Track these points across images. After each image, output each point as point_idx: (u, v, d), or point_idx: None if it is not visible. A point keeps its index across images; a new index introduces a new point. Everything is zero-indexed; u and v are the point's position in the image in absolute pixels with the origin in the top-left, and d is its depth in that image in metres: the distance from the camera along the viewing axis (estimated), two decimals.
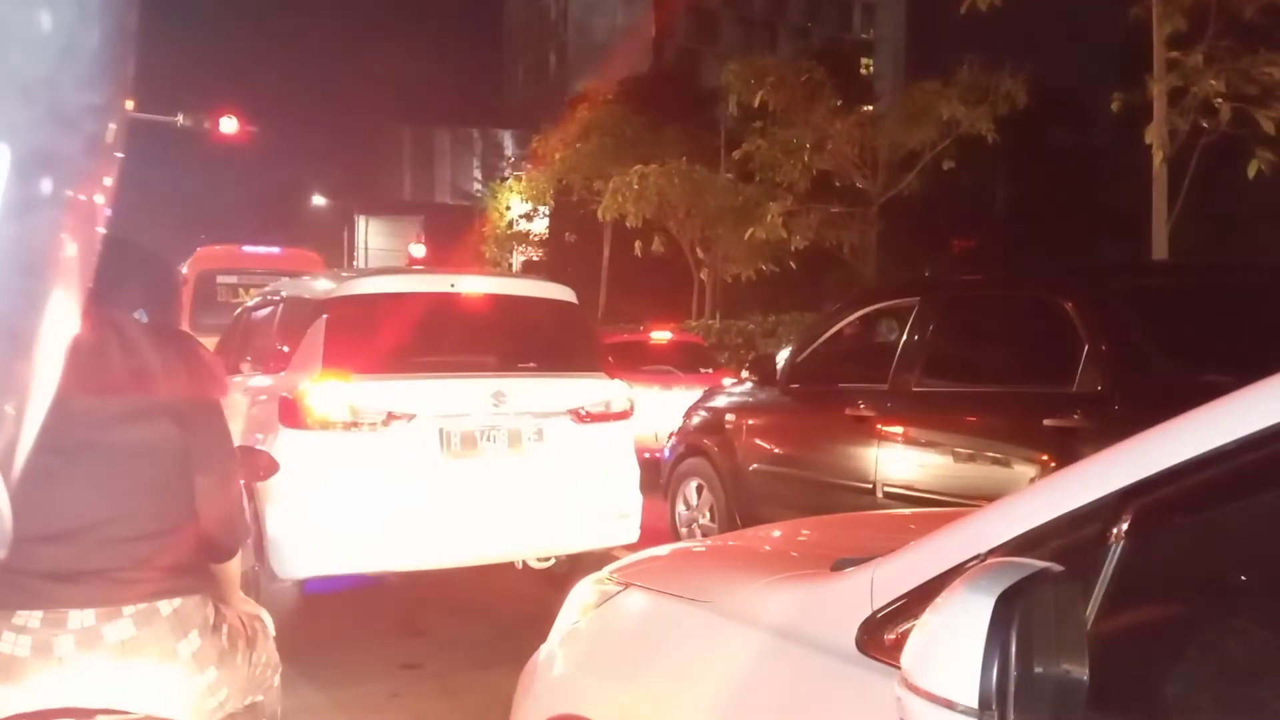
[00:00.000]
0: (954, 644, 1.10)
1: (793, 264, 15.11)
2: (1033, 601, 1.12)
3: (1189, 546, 1.40)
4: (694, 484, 6.83)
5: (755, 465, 6.25)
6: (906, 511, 3.36)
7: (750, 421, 6.46)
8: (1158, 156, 9.67)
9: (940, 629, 1.13)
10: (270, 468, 3.09)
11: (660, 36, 16.50)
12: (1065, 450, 4.08)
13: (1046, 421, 4.38)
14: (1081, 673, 1.17)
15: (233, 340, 6.45)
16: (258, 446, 4.99)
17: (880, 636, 1.51)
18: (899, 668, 1.24)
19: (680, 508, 6.90)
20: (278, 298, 6.13)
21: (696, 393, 8.04)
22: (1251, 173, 9.37)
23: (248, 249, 12.15)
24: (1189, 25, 9.73)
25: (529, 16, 23.38)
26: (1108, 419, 4.08)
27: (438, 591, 5.49)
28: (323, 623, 4.97)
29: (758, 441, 6.33)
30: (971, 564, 1.39)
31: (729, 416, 6.65)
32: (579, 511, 5.22)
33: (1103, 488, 1.30)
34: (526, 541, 5.19)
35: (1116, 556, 1.28)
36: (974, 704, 1.07)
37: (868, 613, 1.54)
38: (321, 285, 5.75)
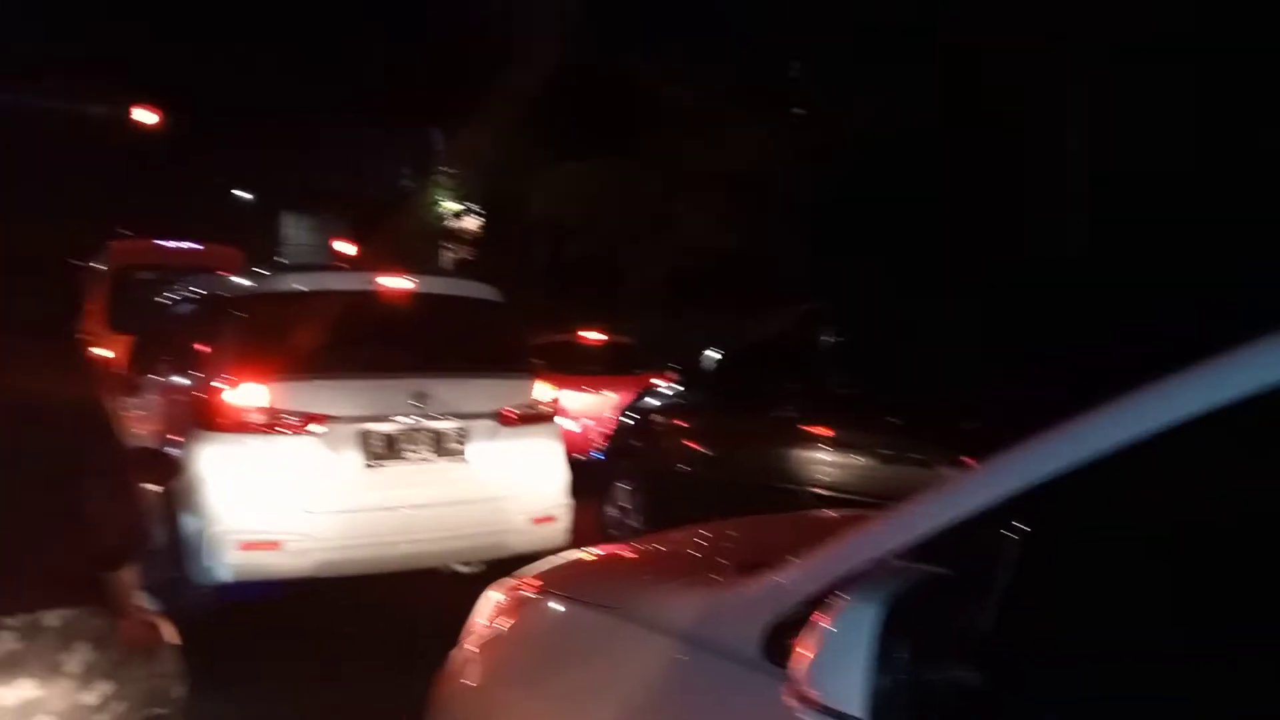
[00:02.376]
0: (841, 652, 1.10)
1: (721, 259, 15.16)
2: (921, 608, 1.13)
3: (1085, 550, 1.42)
4: (624, 487, 6.81)
5: (683, 466, 6.25)
6: (827, 514, 3.38)
7: (679, 423, 6.47)
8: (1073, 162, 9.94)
9: (828, 637, 1.13)
10: (172, 471, 3.00)
11: (594, 36, 16.63)
12: (982, 454, 4.15)
13: (963, 424, 4.46)
14: (973, 678, 1.18)
15: (151, 339, 6.28)
16: (173, 449, 4.88)
17: (783, 643, 1.51)
18: None
19: (610, 510, 6.88)
20: (196, 296, 5.98)
21: (629, 394, 8.04)
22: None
23: (167, 244, 11.82)
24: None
25: (462, 13, 23.15)
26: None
27: (358, 597, 5.38)
28: (239, 630, 4.85)
29: (686, 443, 6.35)
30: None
31: (658, 418, 6.66)
32: (505, 516, 5.17)
33: (995, 493, 1.32)
34: (451, 547, 5.12)
35: (1011, 561, 1.29)
36: (861, 713, 1.07)
37: (771, 618, 1.54)
38: (240, 284, 5.62)
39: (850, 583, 1.24)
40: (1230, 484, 1.25)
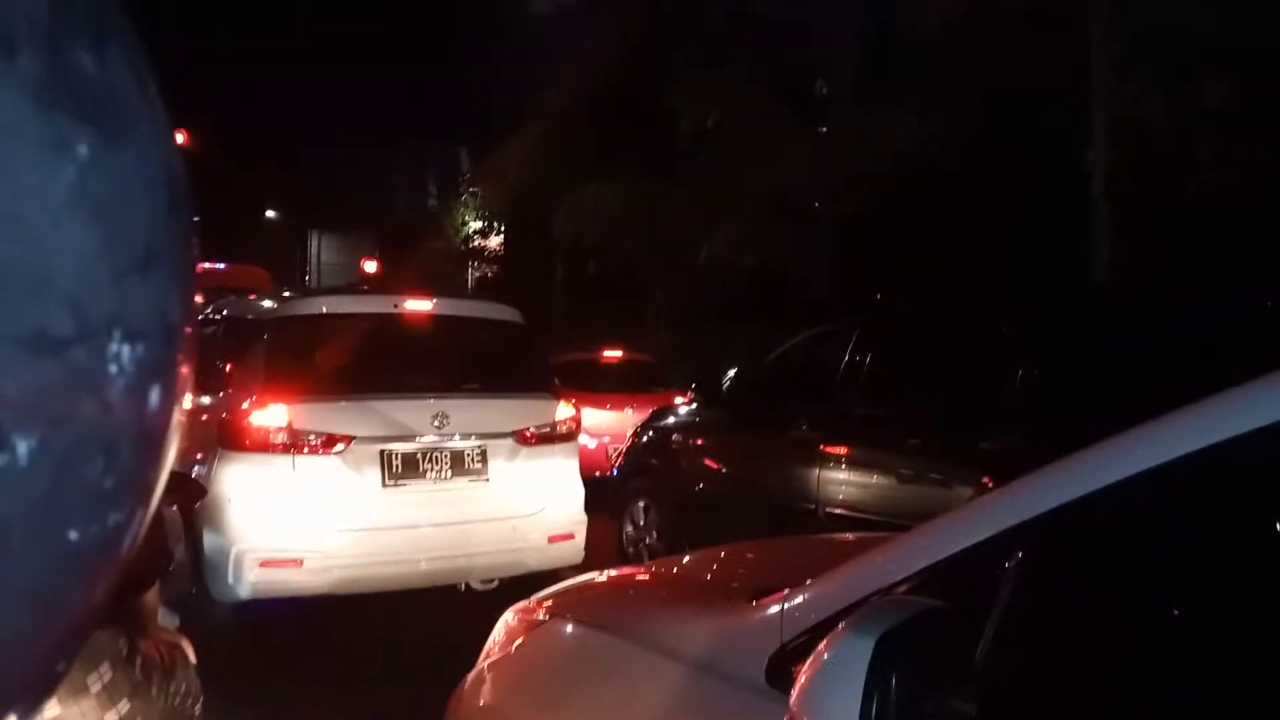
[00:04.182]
0: (838, 684, 1.12)
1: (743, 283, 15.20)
2: (918, 640, 1.15)
3: (1083, 582, 1.43)
4: (641, 504, 6.82)
5: (701, 485, 6.27)
6: (843, 536, 3.40)
7: (696, 441, 6.48)
8: (1096, 181, 9.90)
9: (826, 668, 1.15)
10: (198, 495, 3.06)
11: (616, 53, 16.77)
12: (1002, 473, 4.16)
13: (982, 444, 4.46)
14: (969, 709, 1.19)
15: None
16: (197, 468, 4.95)
17: (788, 670, 1.53)
18: None
19: (628, 528, 6.89)
20: (220, 317, 6.06)
21: (646, 412, 8.06)
22: (1188, 195, 9.64)
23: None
24: (1129, 51, 10.02)
25: (486, 31, 23.40)
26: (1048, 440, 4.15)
27: (376, 614, 5.42)
28: (257, 646, 4.89)
29: (703, 461, 6.36)
30: (873, 599, 1.41)
31: (675, 436, 6.67)
32: (522, 534, 5.20)
33: (994, 525, 1.34)
34: (468, 565, 5.16)
35: (1009, 593, 1.31)
36: None
37: (777, 646, 1.56)
38: (264, 306, 5.70)
39: (851, 613, 1.26)
40: (1231, 519, 1.26)
